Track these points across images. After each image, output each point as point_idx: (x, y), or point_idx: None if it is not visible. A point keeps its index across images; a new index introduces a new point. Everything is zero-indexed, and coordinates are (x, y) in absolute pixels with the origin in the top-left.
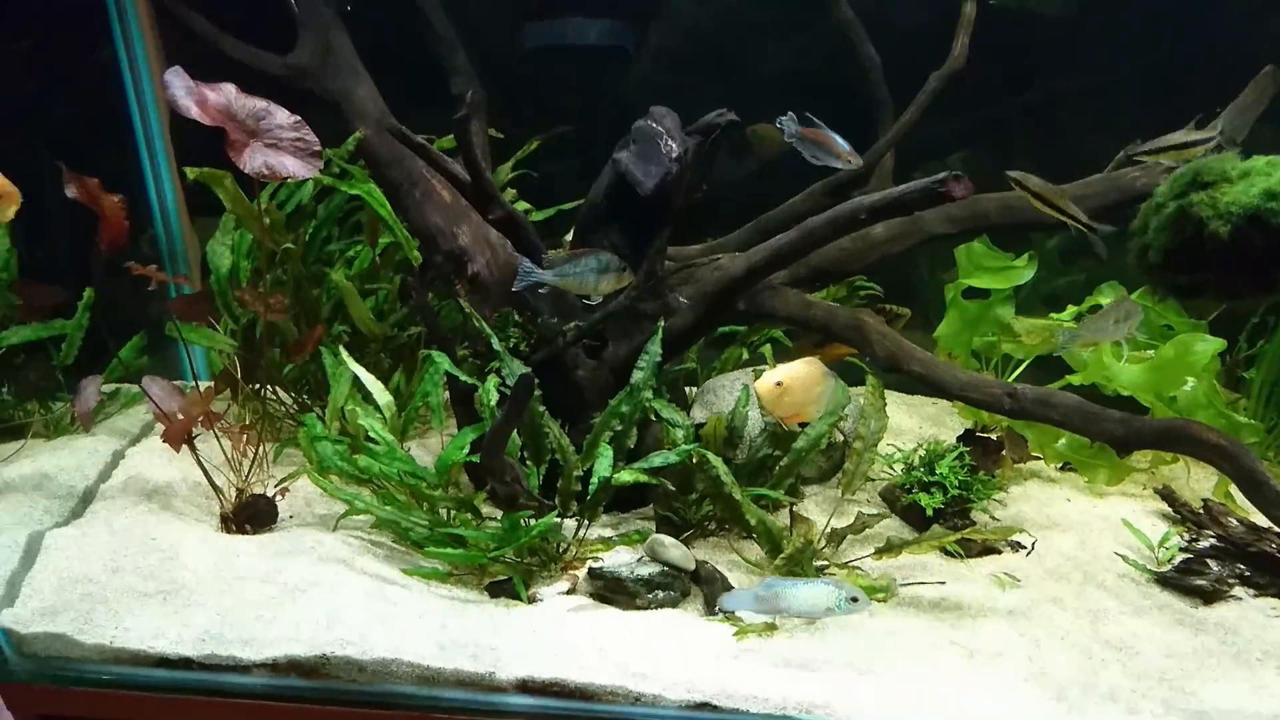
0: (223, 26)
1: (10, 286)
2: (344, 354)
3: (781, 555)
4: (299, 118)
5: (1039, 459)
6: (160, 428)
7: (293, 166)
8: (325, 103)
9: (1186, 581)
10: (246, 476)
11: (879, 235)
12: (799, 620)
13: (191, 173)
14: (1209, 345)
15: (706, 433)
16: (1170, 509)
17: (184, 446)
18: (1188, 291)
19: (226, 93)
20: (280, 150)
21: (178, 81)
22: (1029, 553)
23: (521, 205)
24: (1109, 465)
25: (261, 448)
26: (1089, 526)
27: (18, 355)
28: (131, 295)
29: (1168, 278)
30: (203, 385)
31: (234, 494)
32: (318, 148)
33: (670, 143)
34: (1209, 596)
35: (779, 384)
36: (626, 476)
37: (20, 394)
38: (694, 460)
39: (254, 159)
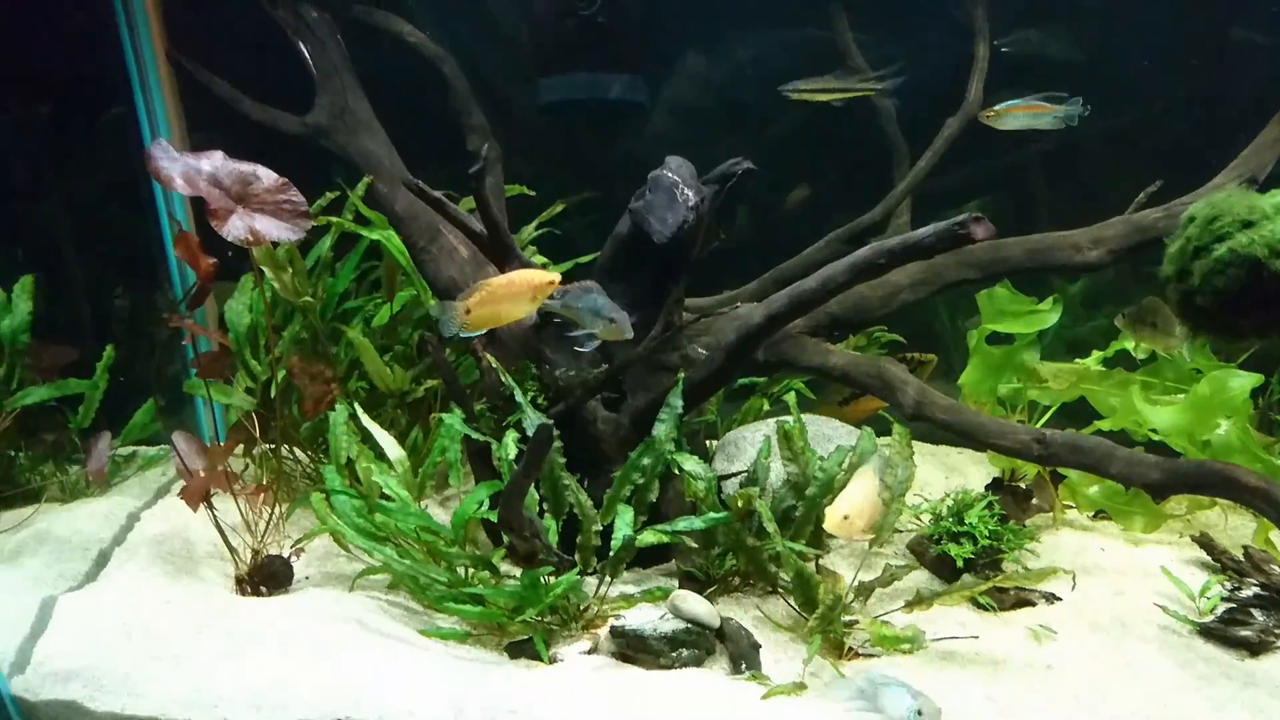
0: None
1: (27, 350)
2: (359, 411)
3: (815, 615)
4: (285, 179)
5: (1071, 507)
6: (176, 488)
7: (276, 230)
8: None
9: (1231, 633)
10: (262, 537)
11: (899, 282)
12: (828, 679)
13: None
14: (1244, 381)
15: (731, 501)
16: (1209, 557)
17: (200, 506)
18: (1247, 333)
19: (214, 160)
20: (265, 213)
21: (163, 155)
22: (1073, 587)
23: (539, 260)
24: (1145, 512)
25: (277, 507)
26: (1126, 576)
27: (31, 418)
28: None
29: (1224, 321)
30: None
31: (249, 555)
32: (304, 208)
33: (686, 192)
34: (1255, 648)
35: (846, 517)
36: (650, 538)
37: (36, 457)
38: (740, 504)
39: (236, 226)
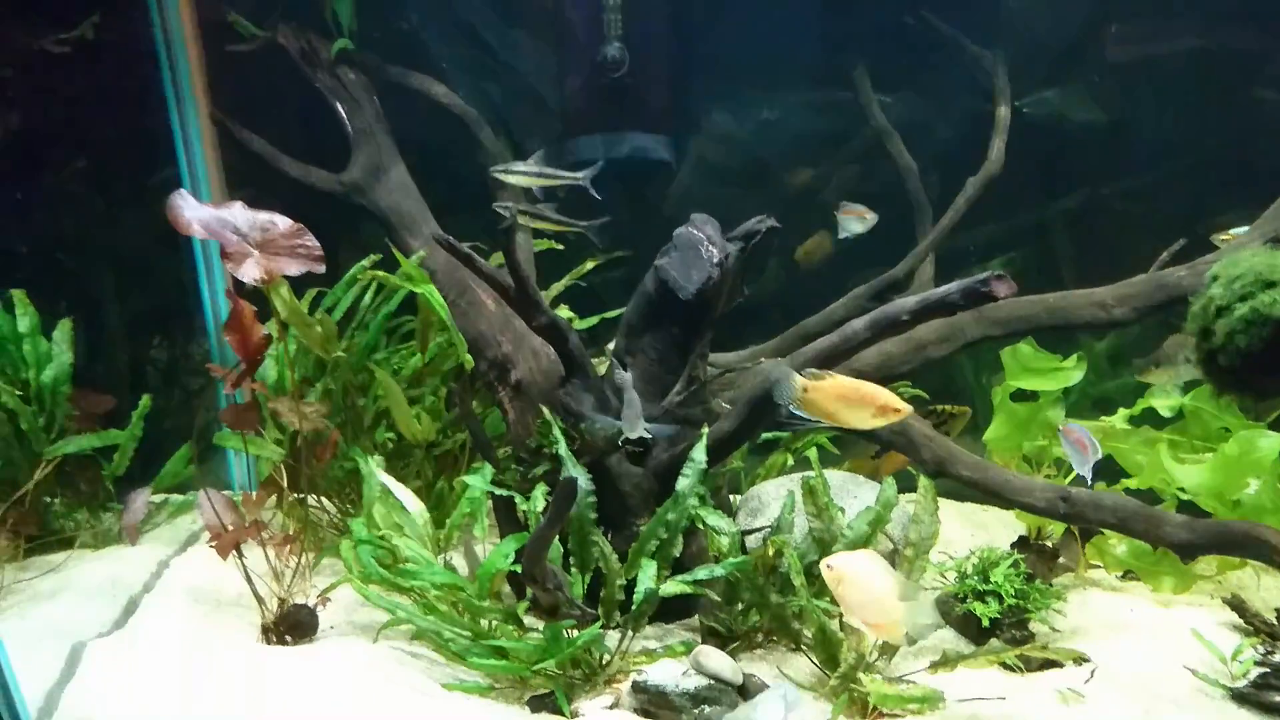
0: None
1: (68, 398)
2: (373, 463)
3: (837, 674)
4: (300, 225)
5: (1099, 566)
6: (206, 536)
7: (291, 268)
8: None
9: (1265, 698)
10: (289, 586)
11: (923, 338)
12: None
13: None
14: (1274, 441)
15: (758, 553)
16: (1241, 619)
17: (230, 555)
18: (1271, 392)
19: (232, 210)
20: (280, 256)
21: (183, 203)
22: (1089, 679)
23: (566, 314)
24: (1174, 573)
25: (304, 556)
26: (1155, 638)
27: (67, 464)
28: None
29: (1248, 379)
30: (251, 493)
31: (276, 604)
32: (318, 251)
33: (711, 248)
34: None
35: (830, 567)
36: (672, 588)
37: (70, 504)
38: (770, 553)
39: (250, 269)
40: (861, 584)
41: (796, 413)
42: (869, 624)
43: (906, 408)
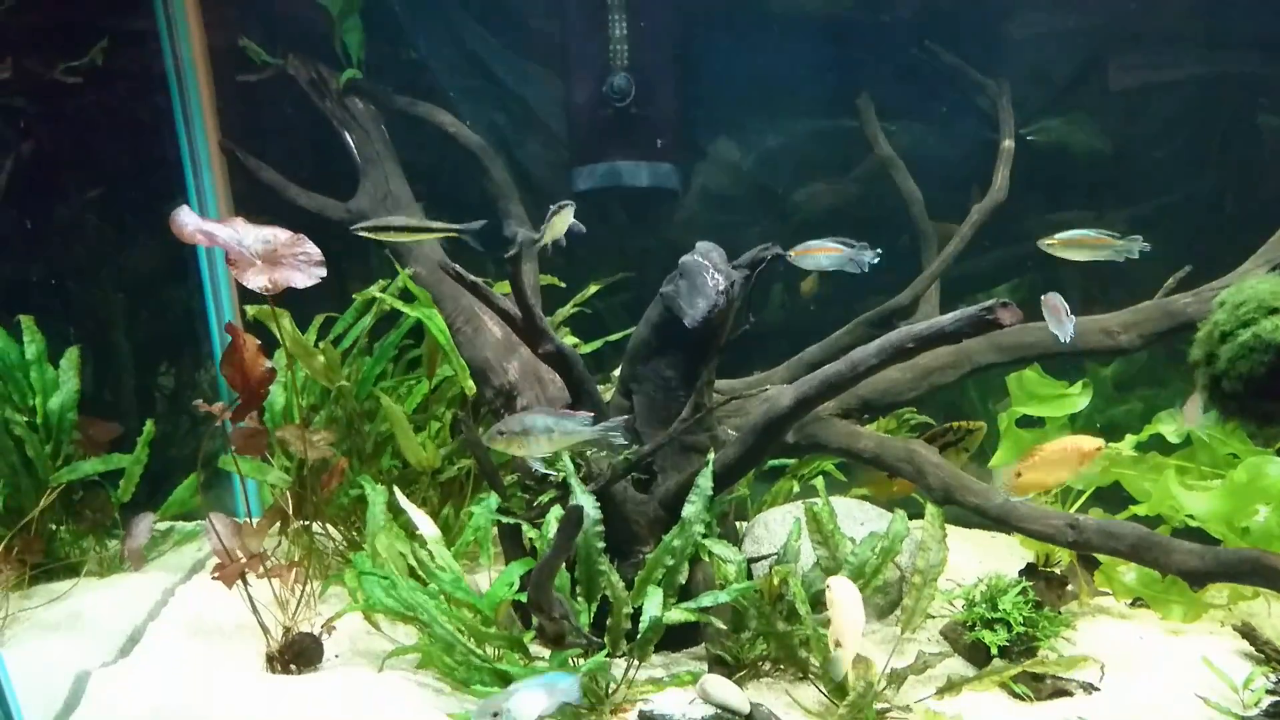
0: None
1: (75, 425)
2: (384, 491)
3: (845, 702)
4: (300, 235)
5: (1107, 594)
6: (210, 564)
7: (296, 278)
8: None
9: None
10: (294, 614)
11: (929, 365)
12: None
13: (250, 309)
14: None
15: (763, 582)
16: (1252, 647)
17: (235, 583)
18: (1272, 418)
19: (234, 224)
20: (283, 266)
21: (186, 218)
22: (1101, 678)
23: (570, 339)
24: (1183, 600)
25: (309, 584)
26: (1165, 666)
27: (76, 491)
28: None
29: (1250, 405)
30: (255, 521)
31: (281, 632)
32: (319, 258)
33: (716, 276)
34: None
35: (829, 587)
36: (677, 615)
37: (77, 531)
38: (773, 583)
39: (256, 278)
40: (851, 612)
41: (1015, 500)
42: (843, 649)
43: (1099, 441)
